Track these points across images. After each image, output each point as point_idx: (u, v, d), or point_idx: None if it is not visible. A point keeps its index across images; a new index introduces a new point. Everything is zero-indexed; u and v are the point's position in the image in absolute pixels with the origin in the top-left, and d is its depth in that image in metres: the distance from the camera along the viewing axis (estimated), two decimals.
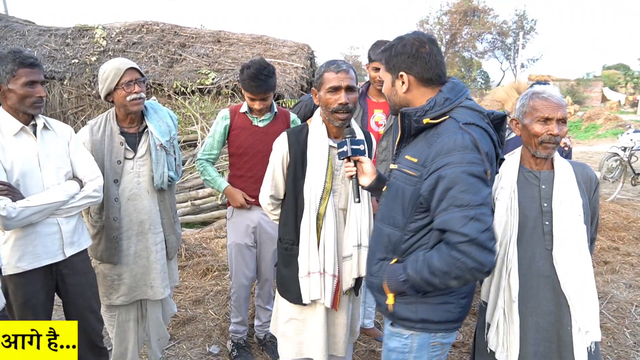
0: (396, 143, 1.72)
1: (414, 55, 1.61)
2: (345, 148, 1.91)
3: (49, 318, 2.27)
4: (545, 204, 1.89)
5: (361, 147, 1.94)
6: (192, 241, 5.15)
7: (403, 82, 1.65)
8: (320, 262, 2.06)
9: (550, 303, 1.87)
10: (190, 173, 6.95)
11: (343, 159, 1.94)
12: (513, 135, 3.09)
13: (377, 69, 2.91)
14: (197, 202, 6.26)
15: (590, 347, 1.81)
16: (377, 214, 1.77)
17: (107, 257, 2.50)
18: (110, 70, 2.38)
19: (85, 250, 2.37)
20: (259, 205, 2.61)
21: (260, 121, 2.97)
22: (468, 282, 1.51)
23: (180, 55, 9.90)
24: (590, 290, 1.83)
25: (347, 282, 2.13)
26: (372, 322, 3.45)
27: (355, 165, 1.92)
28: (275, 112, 3.01)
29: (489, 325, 1.96)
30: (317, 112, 2.19)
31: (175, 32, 10.50)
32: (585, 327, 1.80)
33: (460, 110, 1.59)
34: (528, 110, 1.92)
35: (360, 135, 2.20)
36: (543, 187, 1.91)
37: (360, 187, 1.93)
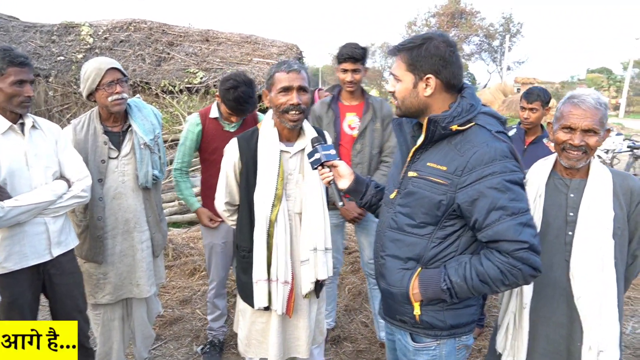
0: (413, 149, 1.63)
1: (446, 59, 1.54)
2: (317, 155, 1.85)
3: (34, 318, 2.25)
4: (572, 214, 1.80)
5: (332, 151, 1.88)
6: (180, 241, 5.13)
7: (428, 85, 1.56)
8: (273, 270, 2.05)
9: (563, 316, 1.81)
10: None
11: (316, 167, 1.87)
12: (509, 134, 3.15)
13: (346, 70, 2.91)
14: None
15: None
16: (391, 222, 1.69)
17: (92, 256, 2.49)
18: (92, 70, 2.36)
19: (72, 249, 2.35)
20: None
21: (231, 127, 2.99)
22: (518, 286, 1.56)
23: (168, 53, 9.84)
24: (610, 308, 1.73)
25: (306, 287, 2.11)
26: None
27: (331, 170, 1.86)
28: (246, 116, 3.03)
29: (499, 326, 1.97)
30: (268, 115, 2.14)
31: (163, 30, 10.43)
32: (599, 346, 1.72)
33: (482, 116, 1.58)
34: (558, 115, 1.83)
35: (328, 140, 2.18)
36: (571, 195, 1.82)
37: (340, 190, 1.87)
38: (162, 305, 3.64)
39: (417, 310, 1.63)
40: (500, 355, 1.95)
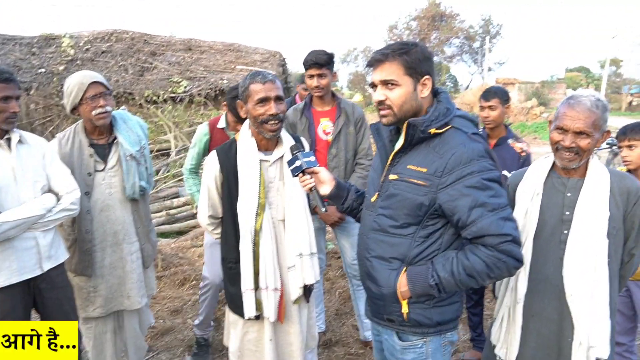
0: (393, 153, 1.68)
1: (433, 61, 1.65)
2: (298, 163, 1.87)
3: None
4: (567, 212, 1.83)
5: (312, 158, 1.90)
6: (169, 251, 5.11)
7: (424, 87, 1.63)
8: (262, 278, 2.07)
9: (554, 311, 1.85)
10: (165, 182, 6.89)
11: (297, 175, 1.89)
12: None
13: (312, 76, 2.96)
14: (172, 211, 6.21)
15: None
16: (373, 224, 1.73)
17: (81, 269, 2.48)
18: (74, 84, 2.36)
19: (63, 263, 2.34)
20: None
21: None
22: (503, 278, 1.63)
23: (151, 63, 9.82)
24: (601, 306, 1.76)
25: (295, 292, 2.13)
26: None
27: (311, 177, 1.88)
28: None
29: (494, 319, 2.03)
30: (245, 126, 2.15)
31: (145, 40, 10.41)
32: (589, 342, 1.76)
33: (458, 119, 1.64)
34: (555, 115, 1.84)
35: (306, 146, 2.22)
36: (568, 194, 1.84)
37: (322, 196, 1.90)
38: (153, 316, 3.63)
39: (404, 309, 1.67)
40: (494, 346, 2.01)
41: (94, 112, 2.37)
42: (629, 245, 1.85)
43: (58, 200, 2.24)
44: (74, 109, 2.43)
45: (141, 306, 2.66)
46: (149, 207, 2.81)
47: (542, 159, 1.98)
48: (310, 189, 1.88)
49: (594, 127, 1.73)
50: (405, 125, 1.61)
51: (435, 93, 1.70)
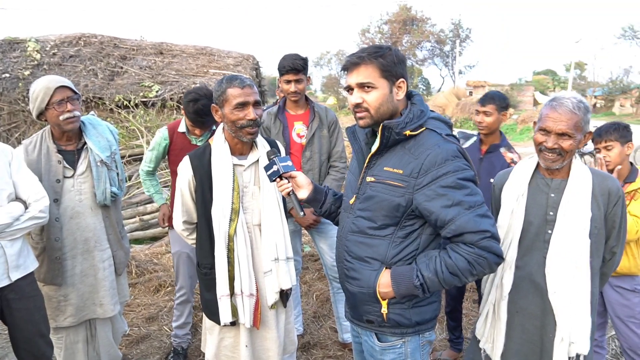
0: (369, 155, 1.70)
1: (406, 65, 1.67)
2: (275, 167, 1.86)
3: None
4: (551, 213, 1.86)
5: (289, 162, 1.90)
6: (143, 257, 5.02)
7: (399, 89, 1.65)
8: (237, 284, 2.06)
9: (537, 308, 1.89)
10: (137, 188, 6.77)
11: (275, 180, 1.88)
12: (467, 144, 3.06)
13: (289, 82, 2.96)
14: (146, 217, 6.10)
15: (573, 358, 1.83)
16: (352, 226, 1.74)
17: (51, 278, 2.42)
18: (40, 89, 2.31)
19: (32, 272, 2.28)
20: None
21: (199, 141, 3.02)
22: (485, 274, 1.65)
23: (122, 67, 9.63)
24: (582, 303, 1.81)
25: (271, 297, 2.12)
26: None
27: (289, 182, 1.88)
28: (213, 129, 3.06)
29: (479, 315, 2.07)
30: (219, 130, 2.13)
31: (115, 44, 10.21)
32: (570, 338, 1.81)
33: (432, 121, 1.67)
34: (539, 117, 1.87)
35: (282, 151, 2.22)
36: (552, 195, 1.88)
37: (300, 201, 1.90)
38: (127, 324, 3.57)
39: (384, 309, 1.69)
40: (479, 340, 2.06)
41: (61, 117, 2.33)
42: (611, 243, 1.91)
43: (26, 208, 2.18)
44: (41, 115, 2.37)
45: (114, 314, 2.61)
46: (121, 213, 2.76)
47: (527, 160, 2.02)
48: (288, 194, 1.88)
49: (576, 128, 1.76)
50: (380, 127, 1.63)
51: (409, 96, 1.73)
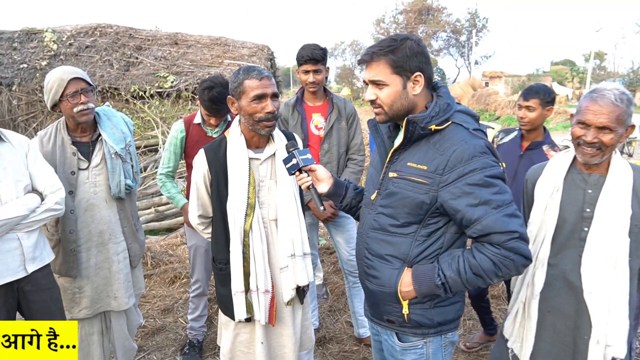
0: (392, 150, 1.63)
1: (426, 55, 1.56)
2: (294, 161, 1.81)
3: None
4: (588, 210, 1.77)
5: (309, 155, 1.84)
6: (158, 248, 5.03)
7: (416, 84, 1.56)
8: (252, 280, 2.01)
9: (571, 308, 1.82)
10: (153, 179, 6.78)
11: (294, 173, 1.83)
12: (507, 138, 2.95)
13: (308, 72, 2.89)
14: (161, 208, 6.12)
15: None
16: (373, 223, 1.69)
17: (65, 270, 2.41)
18: (54, 81, 2.28)
19: (48, 264, 2.27)
20: None
21: (215, 132, 2.97)
22: (511, 277, 1.57)
23: (137, 58, 9.65)
24: (620, 305, 1.73)
25: (287, 294, 2.07)
26: (367, 330, 3.33)
27: (309, 175, 1.83)
28: (228, 121, 3.02)
29: (508, 313, 2.00)
30: (235, 123, 2.08)
31: (130, 34, 10.22)
32: (607, 341, 1.73)
33: (458, 115, 1.59)
34: (577, 109, 1.77)
35: (300, 143, 2.16)
36: (589, 191, 1.78)
37: (320, 194, 1.85)
38: (143, 315, 3.57)
39: (405, 309, 1.63)
40: (507, 340, 1.99)
41: (75, 109, 2.29)
42: None
43: (42, 200, 2.16)
44: (55, 106, 2.35)
45: (129, 307, 2.59)
46: (136, 206, 2.74)
47: (562, 154, 1.92)
48: (308, 187, 1.82)
49: (618, 121, 1.66)
50: (404, 121, 1.55)
51: (434, 87, 1.64)
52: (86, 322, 2.55)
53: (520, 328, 1.93)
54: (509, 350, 1.99)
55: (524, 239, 1.48)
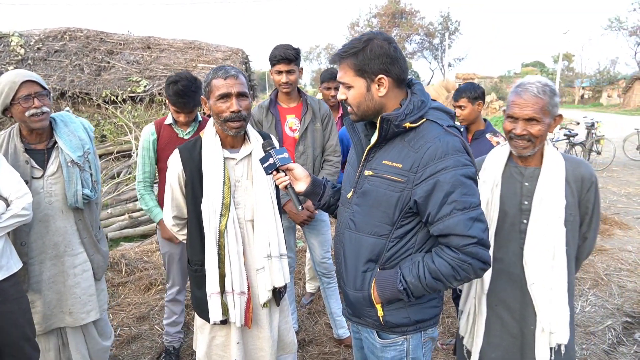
0: (367, 148, 1.62)
1: (391, 56, 1.53)
2: (271, 160, 1.80)
3: None
4: (526, 202, 1.83)
5: (286, 154, 1.83)
6: (133, 255, 4.92)
7: (381, 86, 1.55)
8: (228, 281, 1.99)
9: (515, 300, 1.86)
10: (126, 185, 6.66)
11: (271, 172, 1.82)
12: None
13: (281, 72, 2.87)
14: (135, 214, 6.00)
15: (555, 347, 1.81)
16: (349, 223, 1.68)
17: None
18: (5, 84, 2.19)
19: (16, 274, 2.19)
20: None
21: (186, 134, 2.94)
22: (470, 280, 1.57)
23: (108, 62, 9.47)
24: (561, 293, 1.78)
25: (263, 295, 2.05)
26: (347, 331, 3.36)
27: (286, 174, 1.83)
28: (200, 121, 3.00)
29: (461, 312, 2.03)
30: (210, 123, 2.06)
31: (102, 38, 10.02)
32: (551, 328, 1.78)
33: (433, 112, 1.58)
34: (506, 104, 1.82)
35: (276, 143, 2.15)
36: (526, 184, 1.84)
37: (298, 194, 1.85)
38: (118, 323, 3.49)
39: (380, 312, 1.64)
40: (463, 337, 2.02)
41: (27, 113, 2.20)
42: (583, 229, 1.88)
43: (7, 206, 2.09)
44: (6, 110, 2.25)
45: (86, 322, 2.48)
46: (97, 215, 2.60)
47: (499, 148, 1.97)
48: (286, 187, 1.81)
49: (543, 112, 1.73)
50: (379, 119, 1.55)
51: (409, 84, 1.64)
52: (42, 338, 2.44)
53: (473, 324, 1.96)
54: (464, 348, 2.02)
55: (484, 245, 1.47)
